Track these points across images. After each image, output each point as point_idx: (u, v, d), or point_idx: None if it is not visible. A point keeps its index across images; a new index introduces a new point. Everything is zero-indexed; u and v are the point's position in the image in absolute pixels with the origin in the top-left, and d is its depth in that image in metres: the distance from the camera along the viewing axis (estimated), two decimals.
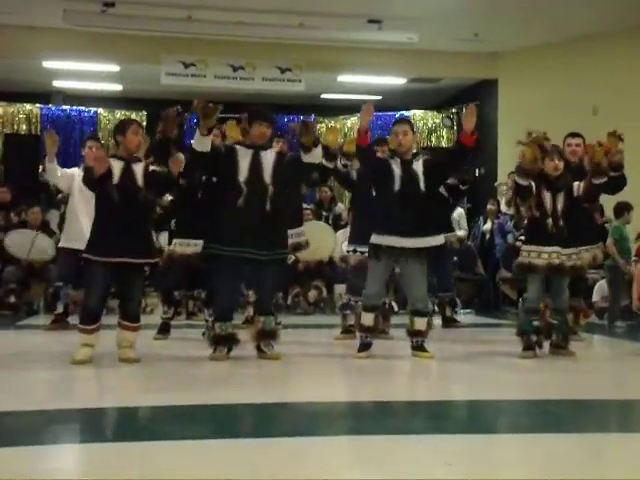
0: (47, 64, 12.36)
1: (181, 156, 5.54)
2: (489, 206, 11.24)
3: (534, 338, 5.88)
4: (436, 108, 14.40)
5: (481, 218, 11.52)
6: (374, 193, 6.01)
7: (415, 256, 5.67)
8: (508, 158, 11.45)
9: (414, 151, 6.01)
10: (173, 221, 6.88)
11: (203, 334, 6.33)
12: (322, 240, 9.11)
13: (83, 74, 12.93)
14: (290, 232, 6.29)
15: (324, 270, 9.89)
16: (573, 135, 6.66)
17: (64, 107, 13.77)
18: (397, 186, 5.69)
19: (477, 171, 13.20)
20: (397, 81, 13.44)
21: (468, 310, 10.32)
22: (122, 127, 5.50)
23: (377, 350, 5.89)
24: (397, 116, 13.17)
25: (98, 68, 12.60)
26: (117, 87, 13.82)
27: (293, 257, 8.38)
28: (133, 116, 12.77)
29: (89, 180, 5.28)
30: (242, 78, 12.37)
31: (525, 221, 6.16)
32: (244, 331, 6.02)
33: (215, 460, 3.00)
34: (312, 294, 9.86)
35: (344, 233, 7.89)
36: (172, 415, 3.88)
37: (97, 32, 11.41)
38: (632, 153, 6.50)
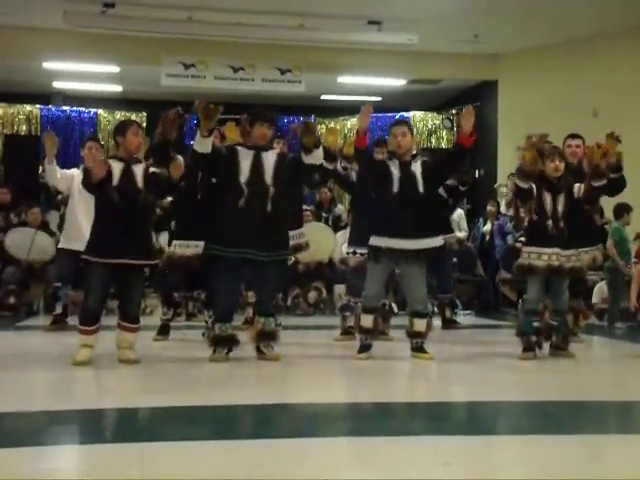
0: (47, 65, 12.36)
1: (180, 159, 5.55)
2: (489, 207, 11.24)
3: (534, 339, 5.88)
4: (436, 109, 14.41)
5: (481, 219, 11.52)
6: (373, 195, 6.00)
7: (414, 258, 5.67)
8: (508, 159, 11.46)
9: (413, 152, 6.01)
10: (173, 222, 6.88)
11: (203, 334, 6.33)
12: (322, 241, 9.12)
13: (83, 75, 12.93)
14: (291, 233, 6.29)
15: (324, 271, 9.89)
16: (573, 136, 6.66)
17: (64, 108, 13.78)
18: (395, 188, 5.69)
19: (477, 172, 13.21)
20: (397, 82, 13.44)
21: (468, 311, 10.32)
22: (122, 128, 5.49)
23: (377, 351, 5.89)
24: (397, 117, 13.21)
25: (98, 69, 12.61)
26: (117, 88, 13.82)
27: (293, 258, 8.39)
28: (133, 117, 12.78)
29: (88, 184, 5.28)
30: (242, 79, 12.38)
31: (525, 222, 6.16)
32: (244, 332, 6.02)
33: (215, 461, 3.00)
34: (312, 295, 9.86)
35: (344, 234, 7.88)
36: (172, 416, 3.88)
37: (97, 33, 11.42)
38: (632, 155, 6.50)
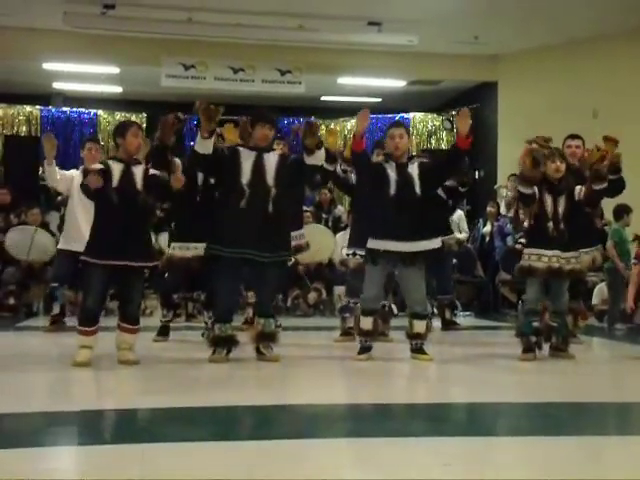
0: (47, 66, 12.36)
1: (178, 162, 5.56)
2: (489, 208, 11.24)
3: (533, 339, 5.88)
4: (436, 110, 14.41)
5: (481, 220, 11.52)
6: (369, 198, 5.99)
7: (412, 260, 5.66)
8: (508, 160, 11.46)
9: (413, 154, 6.01)
10: (172, 223, 6.88)
11: (202, 335, 6.33)
12: (321, 242, 9.11)
13: (83, 76, 12.94)
14: (291, 234, 6.29)
15: (324, 272, 9.89)
16: (573, 137, 6.67)
17: (64, 109, 13.79)
18: (392, 190, 5.68)
19: (477, 173, 13.21)
20: (397, 83, 13.45)
21: (467, 312, 10.32)
22: (122, 129, 5.49)
23: (376, 352, 5.88)
24: (397, 118, 13.21)
25: (98, 70, 12.61)
26: (117, 89, 13.82)
27: (293, 259, 8.38)
28: (133, 118, 12.78)
29: (85, 191, 5.27)
30: (242, 80, 12.38)
31: (525, 224, 6.16)
32: (243, 333, 6.02)
33: (214, 462, 3.00)
34: (312, 296, 9.86)
35: (344, 235, 7.88)
36: (171, 417, 3.87)
37: (97, 34, 11.43)
38: (631, 156, 6.51)
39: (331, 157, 5.92)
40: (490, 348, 6.76)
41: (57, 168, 7.05)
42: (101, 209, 5.34)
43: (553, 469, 2.97)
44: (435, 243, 5.84)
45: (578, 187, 5.82)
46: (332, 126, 13.20)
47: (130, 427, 3.75)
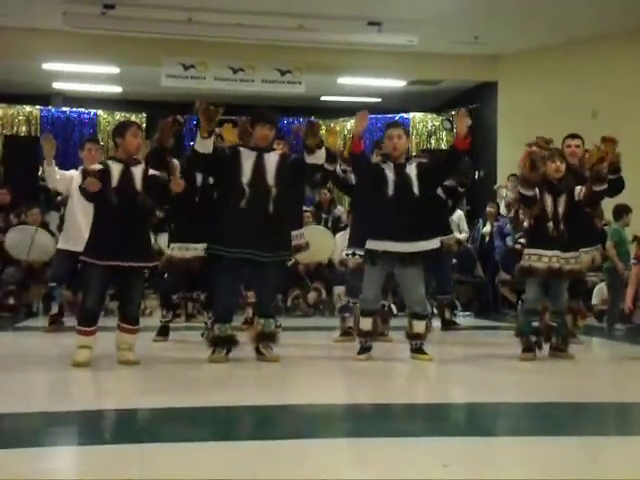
0: (47, 66, 12.36)
1: (177, 163, 5.56)
2: (488, 209, 11.24)
3: (533, 339, 5.88)
4: (436, 111, 14.41)
5: (480, 221, 11.52)
6: (369, 198, 5.99)
7: (410, 260, 5.66)
8: (507, 161, 11.47)
9: (413, 154, 6.01)
10: (172, 224, 6.88)
11: (202, 335, 6.33)
12: (321, 243, 9.12)
13: (83, 76, 12.93)
14: (292, 234, 6.29)
15: (323, 272, 9.89)
16: (572, 136, 6.67)
17: (64, 109, 13.78)
18: (391, 191, 5.68)
19: (477, 174, 13.21)
20: (397, 83, 13.45)
21: (467, 313, 10.32)
22: (121, 129, 5.49)
23: (376, 352, 5.88)
24: (397, 118, 13.21)
25: (98, 70, 12.60)
26: (117, 89, 13.82)
27: (293, 259, 8.38)
28: (133, 118, 12.76)
29: (84, 193, 5.27)
30: (242, 80, 12.37)
31: (524, 224, 6.16)
32: (243, 333, 6.02)
33: (214, 462, 3.00)
34: (312, 296, 9.87)
35: (344, 235, 7.88)
36: (171, 417, 3.87)
37: (97, 34, 11.43)
38: (631, 156, 6.50)
39: (331, 157, 5.92)
40: (490, 348, 6.75)
41: (57, 168, 7.05)
42: (100, 209, 5.33)
43: (553, 469, 2.97)
44: (434, 243, 5.83)
45: (578, 187, 5.82)
46: (332, 126, 13.20)
47: (130, 427, 3.75)
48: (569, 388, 4.97)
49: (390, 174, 5.70)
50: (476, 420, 4.06)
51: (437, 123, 14.24)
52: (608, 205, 8.05)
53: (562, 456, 3.18)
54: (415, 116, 14.24)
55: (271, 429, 3.66)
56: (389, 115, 13.27)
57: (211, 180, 6.20)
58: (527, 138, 6.01)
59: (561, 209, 5.82)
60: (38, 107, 13.63)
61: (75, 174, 7.01)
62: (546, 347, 6.00)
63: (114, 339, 5.39)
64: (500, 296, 10.73)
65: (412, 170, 5.74)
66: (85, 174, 5.29)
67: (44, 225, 9.44)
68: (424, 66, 12.92)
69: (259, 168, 5.54)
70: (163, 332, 6.75)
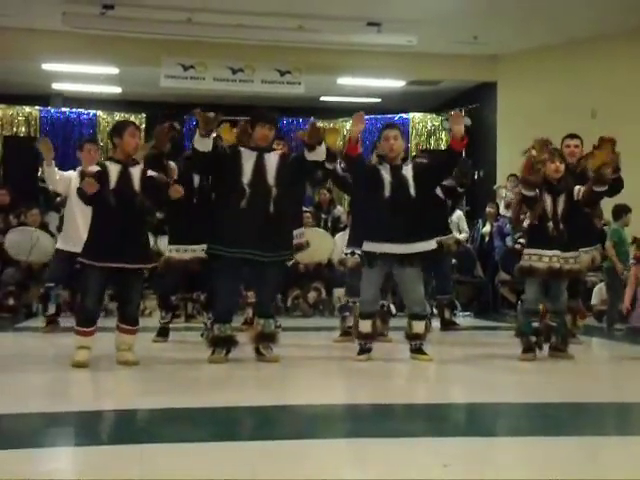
0: (46, 66, 12.36)
1: (174, 165, 5.59)
2: (488, 209, 11.25)
3: (533, 339, 5.88)
4: (435, 111, 14.40)
5: (480, 221, 11.52)
6: (365, 199, 5.99)
7: (408, 262, 5.66)
8: (507, 161, 11.48)
9: (413, 154, 6.01)
10: (170, 226, 6.88)
11: (202, 335, 6.33)
12: (321, 243, 9.13)
13: (82, 76, 12.93)
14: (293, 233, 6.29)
15: (323, 272, 9.90)
16: (572, 136, 6.67)
17: (63, 109, 13.77)
18: (387, 192, 5.67)
19: (476, 174, 13.21)
20: (396, 84, 13.44)
21: (467, 313, 10.32)
22: (119, 129, 5.47)
23: (376, 353, 5.88)
24: (396, 119, 13.22)
25: (97, 70, 12.60)
26: (116, 89, 13.81)
27: (293, 259, 8.38)
28: (132, 119, 12.74)
29: (82, 196, 5.27)
30: (241, 80, 12.37)
31: (524, 224, 6.16)
32: (243, 333, 6.02)
33: (214, 462, 3.00)
34: (312, 295, 9.87)
35: (343, 236, 7.88)
36: (170, 417, 3.87)
37: (96, 34, 11.42)
38: (630, 156, 6.51)
39: (331, 156, 5.91)
40: (489, 348, 6.75)
41: (56, 169, 7.05)
42: (98, 211, 5.32)
43: (553, 469, 2.97)
44: (431, 244, 5.83)
45: (577, 187, 5.82)
46: (332, 125, 13.20)
47: (129, 428, 3.75)
48: (569, 388, 4.96)
49: (386, 175, 5.70)
50: (476, 420, 4.06)
51: (437, 123, 14.23)
52: (607, 205, 8.05)
53: (562, 456, 3.18)
54: (415, 116, 14.24)
55: (271, 429, 3.66)
56: (389, 115, 13.27)
57: (209, 181, 6.21)
58: (527, 138, 6.00)
59: (560, 209, 5.82)
60: (37, 108, 13.62)
61: (74, 175, 7.01)
62: (546, 347, 6.00)
63: (113, 340, 5.39)
64: (500, 296, 10.73)
65: (408, 171, 5.73)
66: (83, 176, 5.29)
67: (43, 226, 9.43)
68: (423, 66, 12.92)
69: (259, 168, 5.53)
70: (163, 333, 6.75)
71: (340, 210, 10.75)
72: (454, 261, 9.67)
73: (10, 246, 9.23)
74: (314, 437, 3.51)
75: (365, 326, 5.79)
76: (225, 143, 5.82)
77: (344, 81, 13.17)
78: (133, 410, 4.06)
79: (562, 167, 5.84)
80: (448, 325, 8.23)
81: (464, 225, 9.56)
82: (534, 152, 5.74)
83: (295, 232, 6.66)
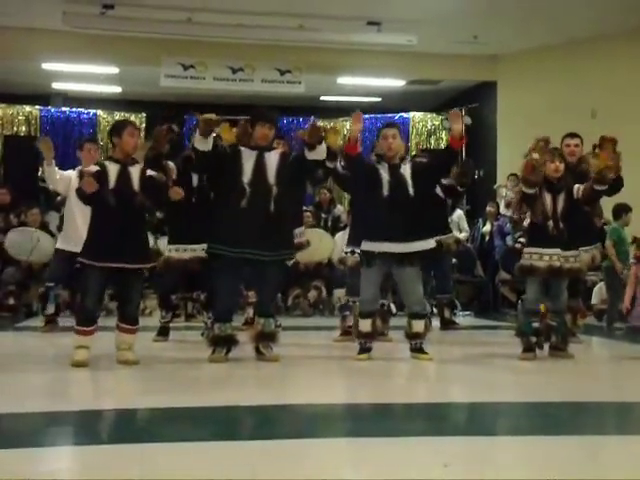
0: (46, 66, 12.36)
1: (172, 165, 5.59)
2: (488, 208, 11.25)
3: (533, 339, 5.88)
4: (435, 110, 14.40)
5: (480, 220, 11.52)
6: (364, 199, 5.98)
7: (407, 261, 5.66)
8: (507, 160, 11.49)
9: (413, 153, 6.01)
10: (169, 226, 6.88)
11: (202, 334, 6.33)
12: (320, 243, 9.13)
13: (82, 76, 12.93)
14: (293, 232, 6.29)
15: (323, 271, 9.90)
16: (571, 135, 6.68)
17: (63, 109, 13.77)
18: (386, 191, 5.67)
19: (476, 173, 13.20)
20: (396, 83, 13.45)
21: (467, 312, 10.32)
22: (118, 129, 5.47)
23: (376, 352, 5.88)
24: (396, 118, 13.21)
25: (97, 70, 12.60)
26: (116, 89, 13.82)
27: (294, 258, 8.38)
28: (132, 118, 12.75)
29: (81, 196, 5.27)
30: (241, 80, 12.37)
31: (524, 223, 6.16)
32: (243, 333, 6.02)
33: (214, 462, 3.00)
34: (312, 294, 9.87)
35: (343, 235, 7.88)
36: (171, 417, 3.87)
37: (96, 34, 11.42)
38: (630, 155, 6.50)
39: (331, 154, 5.91)
40: (490, 348, 6.75)
41: (57, 168, 7.05)
42: (98, 210, 5.32)
43: (553, 469, 2.97)
44: (430, 243, 5.82)
45: (577, 185, 5.82)
46: (332, 125, 13.20)
47: (129, 427, 3.75)
48: (569, 388, 4.96)
49: (385, 175, 5.70)
50: (476, 420, 4.06)
51: (437, 123, 14.23)
52: (607, 204, 8.05)
53: (562, 456, 3.17)
54: (415, 116, 14.24)
55: (271, 429, 3.66)
56: (389, 115, 13.27)
57: (209, 179, 6.21)
58: (527, 138, 6.00)
59: (560, 208, 5.82)
60: (38, 107, 13.62)
61: (74, 174, 7.01)
62: (546, 346, 6.00)
63: (113, 339, 5.39)
64: (500, 295, 10.73)
65: (407, 170, 5.74)
66: (82, 176, 5.28)
67: (44, 225, 9.43)
68: (423, 66, 12.92)
69: (260, 167, 5.53)
70: (163, 332, 6.75)
71: (340, 209, 10.75)
72: (454, 260, 9.68)
73: (10, 246, 9.23)
74: (314, 436, 3.51)
75: (365, 325, 5.79)
76: (225, 142, 5.83)
77: (344, 80, 13.17)
78: (133, 409, 4.06)
79: (562, 167, 5.84)
80: (448, 324, 8.23)
81: (464, 224, 9.56)
82: (535, 155, 5.73)
83: (295, 231, 6.66)
